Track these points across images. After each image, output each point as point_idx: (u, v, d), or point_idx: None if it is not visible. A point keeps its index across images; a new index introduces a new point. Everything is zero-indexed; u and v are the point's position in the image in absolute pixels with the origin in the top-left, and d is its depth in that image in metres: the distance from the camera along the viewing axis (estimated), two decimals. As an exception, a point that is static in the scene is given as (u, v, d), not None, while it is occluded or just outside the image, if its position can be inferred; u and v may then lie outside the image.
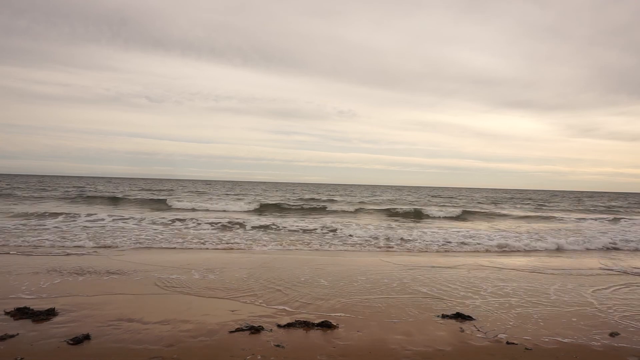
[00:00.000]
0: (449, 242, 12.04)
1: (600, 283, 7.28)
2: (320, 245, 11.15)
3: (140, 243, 10.54)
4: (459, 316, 5.10)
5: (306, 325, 4.64)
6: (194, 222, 15.20)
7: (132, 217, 15.89)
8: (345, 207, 25.25)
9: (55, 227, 13.10)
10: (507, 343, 4.28)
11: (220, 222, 15.47)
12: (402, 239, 12.55)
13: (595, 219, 22.54)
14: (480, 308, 5.56)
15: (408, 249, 11.03)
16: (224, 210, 22.52)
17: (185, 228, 13.99)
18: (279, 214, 21.49)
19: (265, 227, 14.87)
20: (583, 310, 5.61)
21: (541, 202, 45.90)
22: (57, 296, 5.59)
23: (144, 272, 7.15)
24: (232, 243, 11.02)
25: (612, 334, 4.64)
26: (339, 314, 5.13)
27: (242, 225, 15.14)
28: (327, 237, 12.91)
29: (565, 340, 4.43)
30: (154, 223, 14.77)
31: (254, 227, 14.75)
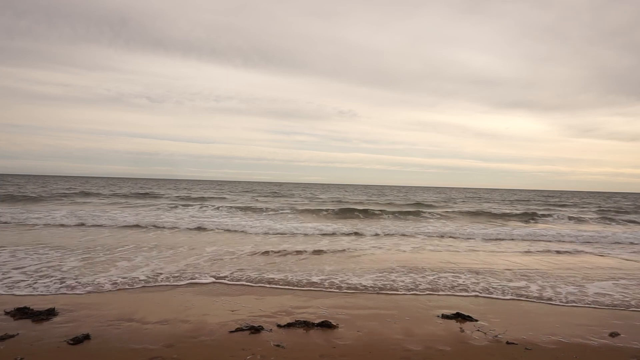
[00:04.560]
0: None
1: (587, 274, 7.28)
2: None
3: None
4: (459, 316, 5.10)
5: (306, 325, 4.64)
6: None
7: None
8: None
9: None
10: (507, 343, 4.28)
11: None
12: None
13: None
14: (480, 308, 5.56)
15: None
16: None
17: None
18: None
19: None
20: (583, 309, 5.61)
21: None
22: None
23: None
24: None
25: (612, 334, 4.64)
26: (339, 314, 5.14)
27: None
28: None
29: (565, 340, 4.44)
30: None
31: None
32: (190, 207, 22.51)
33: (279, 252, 9.61)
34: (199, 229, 13.71)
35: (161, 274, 7.00)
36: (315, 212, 21.62)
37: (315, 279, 6.97)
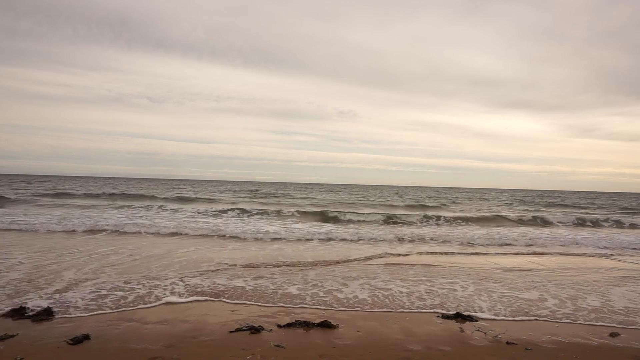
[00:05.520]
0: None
1: (602, 282, 7.29)
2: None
3: None
4: (459, 316, 5.10)
5: (306, 325, 4.64)
6: None
7: None
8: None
9: None
10: (507, 343, 4.28)
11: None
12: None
13: None
14: (479, 308, 5.55)
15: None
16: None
17: None
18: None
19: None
20: (583, 309, 5.60)
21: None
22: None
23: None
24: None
25: (612, 334, 4.64)
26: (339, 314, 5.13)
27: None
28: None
29: (565, 340, 4.44)
30: None
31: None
32: (170, 209, 21.12)
33: (254, 260, 8.49)
34: (176, 233, 12.37)
35: (110, 289, 5.91)
36: (306, 214, 20.56)
37: (293, 290, 6.19)
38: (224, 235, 12.30)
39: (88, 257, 8.38)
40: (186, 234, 12.42)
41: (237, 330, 4.43)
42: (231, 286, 6.35)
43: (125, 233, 12.30)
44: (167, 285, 6.31)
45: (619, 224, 20.34)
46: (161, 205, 22.68)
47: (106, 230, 12.61)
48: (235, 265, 8.05)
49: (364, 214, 21.15)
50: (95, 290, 5.96)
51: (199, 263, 8.11)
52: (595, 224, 20.31)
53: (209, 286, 6.33)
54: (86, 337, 4.09)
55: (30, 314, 4.75)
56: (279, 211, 20.95)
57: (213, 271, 7.40)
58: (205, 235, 12.29)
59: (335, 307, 5.44)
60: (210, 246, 10.36)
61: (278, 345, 4.04)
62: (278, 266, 8.05)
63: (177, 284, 6.40)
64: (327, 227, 14.88)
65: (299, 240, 11.95)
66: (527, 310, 5.52)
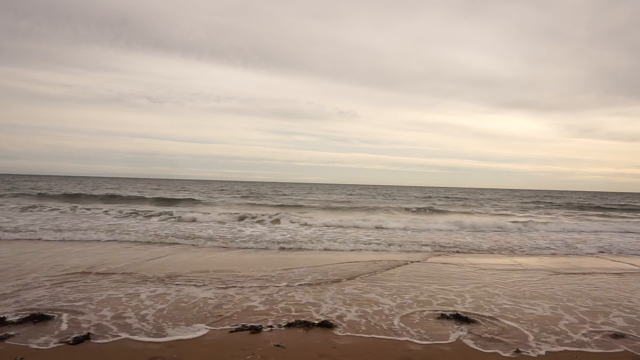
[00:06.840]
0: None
1: (603, 283, 7.29)
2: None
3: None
4: (459, 316, 5.09)
5: (306, 325, 4.64)
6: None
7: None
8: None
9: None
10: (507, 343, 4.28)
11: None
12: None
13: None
14: (479, 308, 5.55)
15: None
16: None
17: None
18: None
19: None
20: (584, 310, 5.60)
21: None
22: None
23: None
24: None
25: (615, 335, 4.63)
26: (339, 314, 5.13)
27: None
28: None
29: (566, 340, 4.43)
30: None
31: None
32: (144, 212, 18.79)
33: (227, 267, 7.52)
34: (139, 241, 10.74)
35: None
36: (297, 215, 18.62)
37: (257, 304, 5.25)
38: (198, 241, 10.84)
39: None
40: (148, 242, 10.78)
41: (237, 330, 4.43)
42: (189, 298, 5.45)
43: (95, 240, 10.77)
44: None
45: (619, 223, 20.32)
46: (144, 210, 19.88)
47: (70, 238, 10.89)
48: (207, 271, 7.20)
49: (356, 216, 20.54)
50: None
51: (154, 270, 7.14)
52: (595, 223, 20.27)
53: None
54: (86, 337, 4.08)
55: None
56: (271, 213, 19.60)
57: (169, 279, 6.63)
58: (176, 244, 10.61)
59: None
60: (175, 251, 9.71)
61: (278, 345, 4.04)
62: (255, 276, 6.90)
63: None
64: (314, 229, 14.44)
65: (284, 241, 11.14)
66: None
